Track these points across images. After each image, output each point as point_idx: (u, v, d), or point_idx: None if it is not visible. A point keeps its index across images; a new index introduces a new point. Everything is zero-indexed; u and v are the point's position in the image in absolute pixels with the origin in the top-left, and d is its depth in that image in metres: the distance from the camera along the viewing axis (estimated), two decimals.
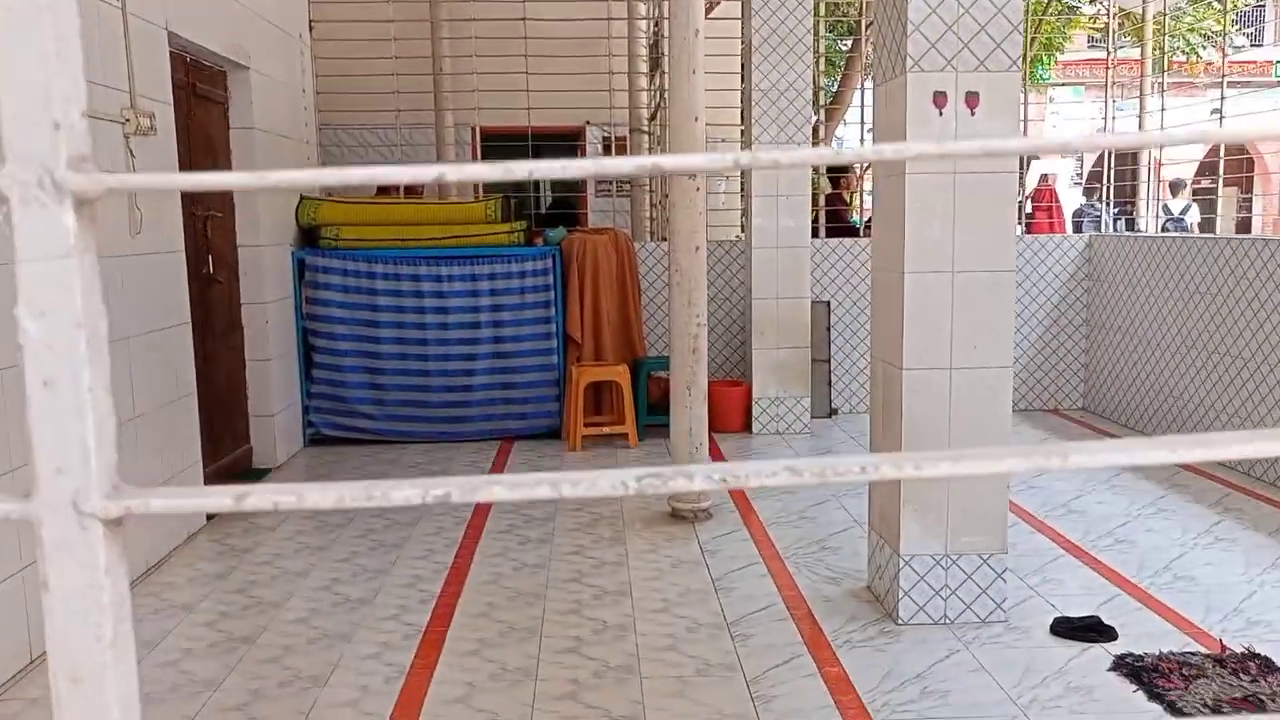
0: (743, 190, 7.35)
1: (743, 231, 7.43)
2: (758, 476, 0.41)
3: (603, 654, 3.23)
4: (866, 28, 7.92)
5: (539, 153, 7.43)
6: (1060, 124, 17.77)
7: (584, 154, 8.85)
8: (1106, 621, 3.34)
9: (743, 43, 6.48)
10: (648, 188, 8.05)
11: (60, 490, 0.41)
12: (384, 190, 7.17)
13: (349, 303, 6.05)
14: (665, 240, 6.41)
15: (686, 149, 4.48)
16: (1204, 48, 15.49)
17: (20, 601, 3.16)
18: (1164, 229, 8.62)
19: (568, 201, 9.06)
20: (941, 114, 3.28)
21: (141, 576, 3.97)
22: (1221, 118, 7.24)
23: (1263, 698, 2.82)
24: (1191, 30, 14.88)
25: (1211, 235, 6.18)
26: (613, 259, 6.33)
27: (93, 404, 0.41)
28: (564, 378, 6.18)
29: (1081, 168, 15.80)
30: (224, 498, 0.41)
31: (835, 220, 7.52)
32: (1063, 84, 18.26)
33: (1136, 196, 8.31)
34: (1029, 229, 8.74)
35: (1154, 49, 8.15)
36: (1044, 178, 10.77)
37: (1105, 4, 7.87)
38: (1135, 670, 3.00)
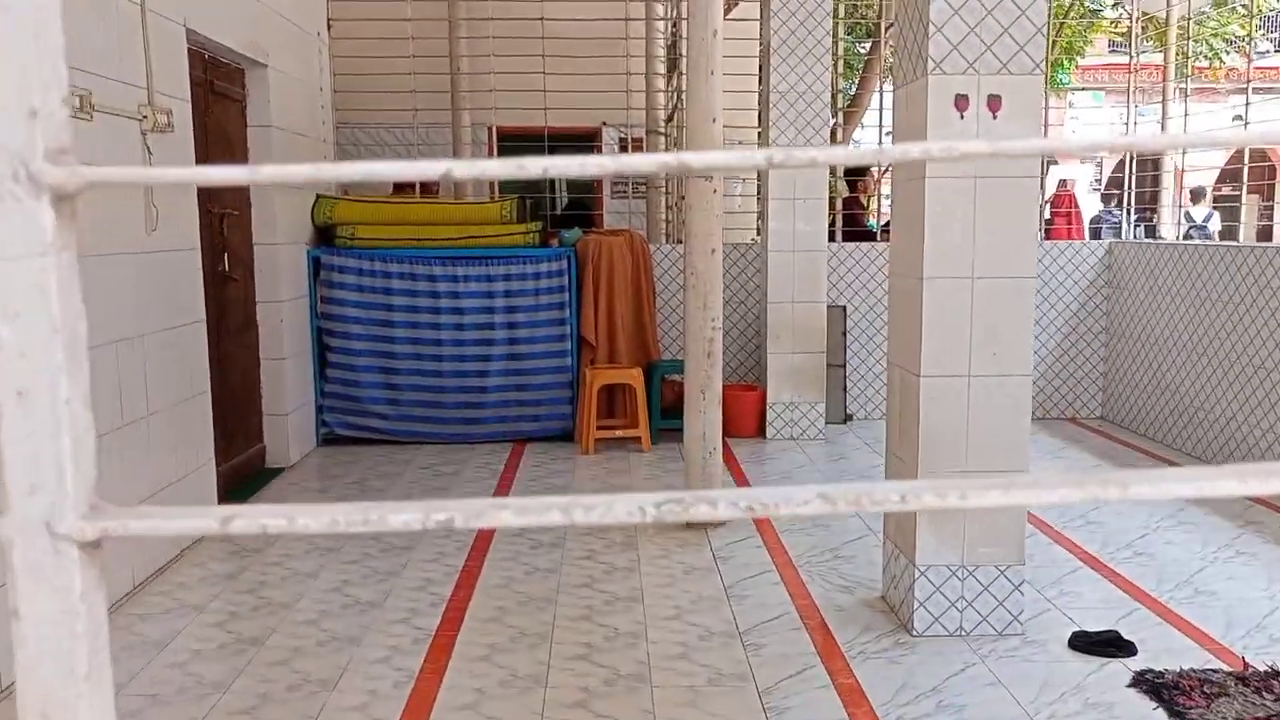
0: (759, 193, 7.31)
1: (759, 234, 7.38)
2: (788, 504, 0.37)
3: (614, 661, 3.19)
4: (886, 30, 7.86)
5: (555, 153, 7.39)
6: (1079, 129, 17.64)
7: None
8: (1126, 636, 3.28)
9: (761, 44, 6.44)
10: (663, 189, 8.01)
11: (33, 510, 0.38)
12: (400, 189, 7.16)
13: (364, 302, 6.04)
14: (681, 242, 6.37)
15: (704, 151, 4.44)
16: (1227, 53, 15.34)
17: None
18: (1187, 236, 8.53)
19: (583, 203, 9.03)
20: (963, 117, 3.24)
21: (154, 575, 3.96)
22: (1245, 124, 7.15)
23: None
24: (1215, 35, 14.74)
25: (1234, 243, 6.10)
26: (628, 261, 6.30)
27: (70, 416, 0.38)
28: (578, 380, 6.15)
29: (1100, 173, 15.67)
30: (209, 520, 0.38)
31: (852, 224, 7.46)
32: (1083, 88, 18.14)
33: (1157, 203, 8.22)
34: (1048, 235, 8.66)
35: (1177, 54, 8.06)
36: (1063, 183, 10.69)
37: (1128, 8, 7.79)
38: (1155, 687, 2.94)
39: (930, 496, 0.37)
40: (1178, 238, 7.82)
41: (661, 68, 8.15)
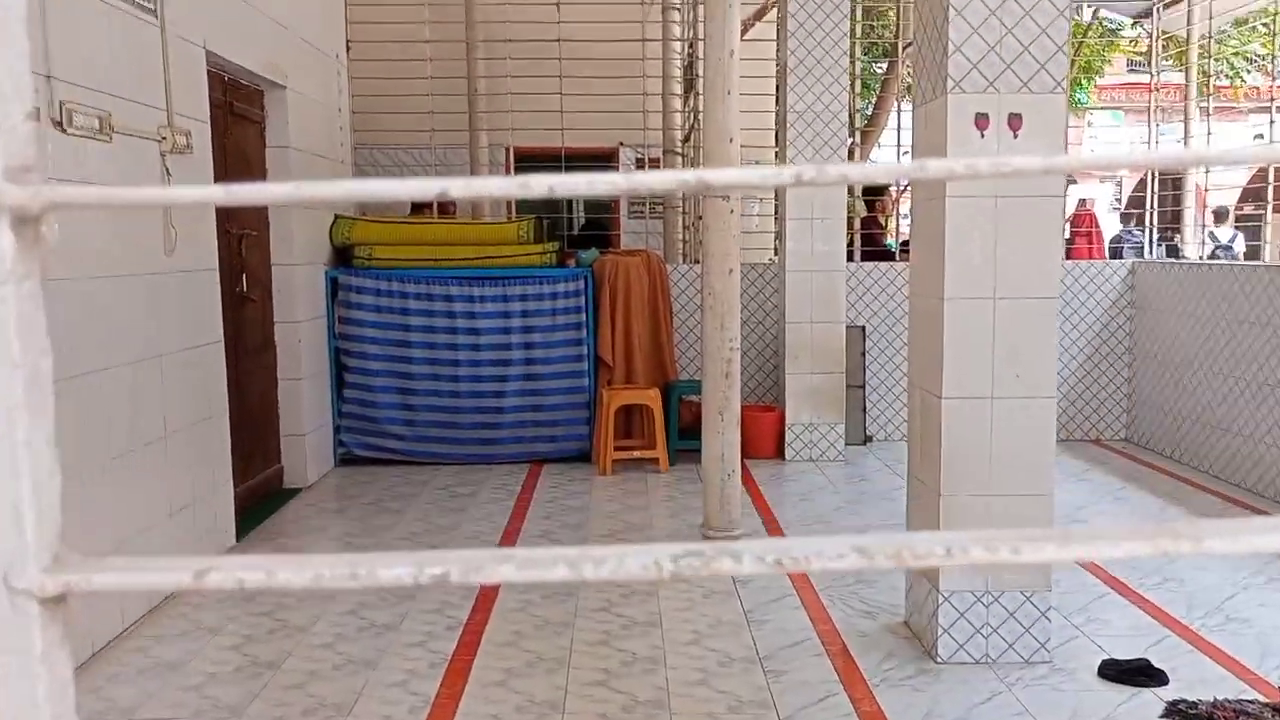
0: (776, 213, 7.27)
1: (776, 254, 7.34)
2: (819, 559, 0.34)
3: (632, 688, 3.14)
4: (903, 50, 7.84)
5: (572, 174, 7.39)
6: (1099, 149, 17.53)
7: None
8: (1156, 664, 3.20)
9: (778, 64, 6.42)
10: (680, 209, 7.99)
11: None
12: (418, 209, 7.18)
13: (381, 322, 6.04)
14: (698, 262, 6.34)
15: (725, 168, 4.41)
16: (1248, 72, 15.23)
17: None
18: (1213, 257, 8.42)
19: (600, 223, 9.02)
20: (983, 136, 3.20)
21: (169, 597, 3.93)
22: (1271, 142, 7.06)
23: None
24: (1236, 54, 14.64)
25: (1259, 263, 6.01)
26: (645, 281, 6.27)
27: (30, 459, 0.34)
28: (594, 400, 6.11)
29: (1120, 193, 15.55)
30: (182, 574, 0.34)
31: (870, 243, 7.41)
32: (1101, 108, 18.04)
33: (1180, 223, 8.13)
34: (1068, 254, 8.58)
35: (1198, 73, 7.99)
36: (1083, 202, 10.61)
37: (1148, 26, 7.74)
38: (1189, 718, 2.86)
39: (979, 550, 0.34)
40: (1201, 258, 7.72)
41: (678, 88, 8.15)
